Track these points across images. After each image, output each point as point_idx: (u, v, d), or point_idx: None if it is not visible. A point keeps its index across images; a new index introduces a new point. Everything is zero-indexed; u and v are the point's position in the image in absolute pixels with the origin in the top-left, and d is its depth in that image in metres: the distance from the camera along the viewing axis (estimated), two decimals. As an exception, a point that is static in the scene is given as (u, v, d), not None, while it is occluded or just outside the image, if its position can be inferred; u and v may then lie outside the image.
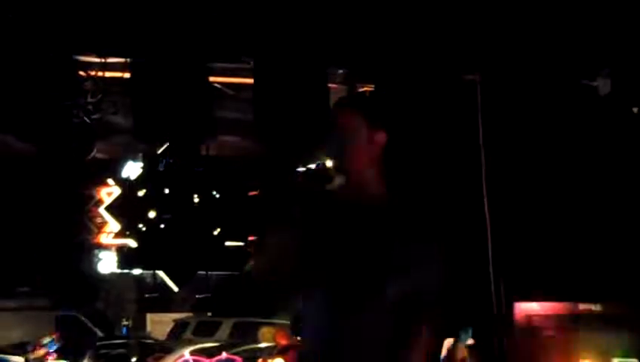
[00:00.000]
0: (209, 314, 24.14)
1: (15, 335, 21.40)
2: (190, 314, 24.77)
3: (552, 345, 8.55)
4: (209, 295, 27.56)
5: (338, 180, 3.35)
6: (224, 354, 14.79)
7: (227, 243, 22.84)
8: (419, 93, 7.36)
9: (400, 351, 3.28)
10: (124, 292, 29.59)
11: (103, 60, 6.75)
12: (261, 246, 3.51)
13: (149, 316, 27.93)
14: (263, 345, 15.58)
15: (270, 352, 14.52)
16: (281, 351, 11.48)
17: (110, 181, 28.66)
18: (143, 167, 29.42)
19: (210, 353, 15.69)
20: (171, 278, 27.65)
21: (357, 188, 3.34)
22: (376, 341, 3.29)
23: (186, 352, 17.60)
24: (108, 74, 6.85)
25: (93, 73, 6.80)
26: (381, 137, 3.39)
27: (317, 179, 3.37)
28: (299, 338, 3.48)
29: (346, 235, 3.30)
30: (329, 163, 3.36)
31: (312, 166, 3.38)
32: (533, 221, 9.33)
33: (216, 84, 7.15)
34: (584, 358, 8.47)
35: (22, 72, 6.57)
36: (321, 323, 3.30)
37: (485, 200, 7.46)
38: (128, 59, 6.87)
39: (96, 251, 28.99)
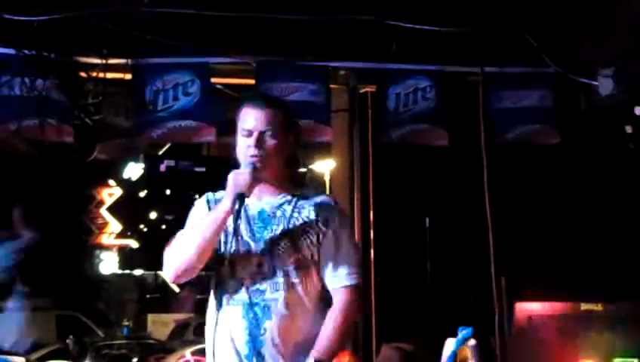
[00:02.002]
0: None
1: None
2: (191, 315, 24.80)
3: (554, 346, 8.55)
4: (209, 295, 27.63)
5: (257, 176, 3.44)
6: (225, 355, 14.76)
7: (228, 244, 22.78)
8: (421, 94, 7.38)
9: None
10: (125, 293, 29.65)
11: (104, 61, 6.74)
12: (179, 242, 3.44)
13: (150, 316, 27.99)
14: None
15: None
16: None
17: (111, 182, 28.76)
18: (144, 168, 29.45)
19: (211, 353, 15.66)
20: (172, 279, 27.65)
21: (271, 184, 3.54)
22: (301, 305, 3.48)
23: (187, 352, 17.62)
24: (109, 75, 6.84)
25: (94, 74, 6.79)
26: (293, 136, 3.59)
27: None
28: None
29: (265, 227, 3.49)
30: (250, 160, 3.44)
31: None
32: (535, 220, 9.34)
33: (217, 85, 7.15)
34: (585, 358, 8.47)
35: (24, 73, 6.57)
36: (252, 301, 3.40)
37: (487, 199, 7.45)
38: (129, 61, 6.87)
39: (97, 252, 29.06)
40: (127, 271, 29.63)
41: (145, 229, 28.50)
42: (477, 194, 7.55)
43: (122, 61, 6.84)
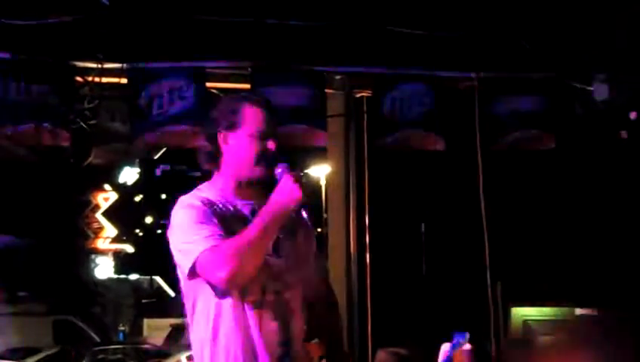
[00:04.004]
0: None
1: (13, 340, 21.37)
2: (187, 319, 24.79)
3: (549, 350, 8.55)
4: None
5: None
6: (221, 359, 14.75)
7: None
8: (416, 99, 7.38)
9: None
10: (120, 298, 29.61)
11: (100, 66, 6.74)
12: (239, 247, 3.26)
13: (145, 321, 27.96)
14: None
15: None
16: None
17: (107, 186, 28.73)
18: (139, 173, 29.42)
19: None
20: (168, 283, 27.65)
21: (256, 185, 3.48)
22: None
23: (183, 357, 17.59)
24: (105, 79, 6.84)
25: (90, 79, 6.79)
26: None
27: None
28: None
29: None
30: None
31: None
32: (530, 225, 9.34)
33: (213, 90, 7.15)
34: (581, 363, 8.46)
35: (19, 77, 6.57)
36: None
37: (482, 205, 7.47)
38: (125, 65, 6.87)
39: (93, 256, 29.03)
40: (123, 276, 29.61)
41: (140, 234, 28.49)
42: (473, 200, 7.56)
43: (118, 65, 6.84)
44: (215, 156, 3.47)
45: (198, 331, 3.45)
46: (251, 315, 3.34)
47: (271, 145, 3.39)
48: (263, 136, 3.40)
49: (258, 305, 3.34)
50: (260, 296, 3.34)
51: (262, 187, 3.40)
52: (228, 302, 3.34)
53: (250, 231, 3.26)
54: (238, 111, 3.44)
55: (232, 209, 3.41)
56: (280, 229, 3.38)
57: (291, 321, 3.38)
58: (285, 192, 3.29)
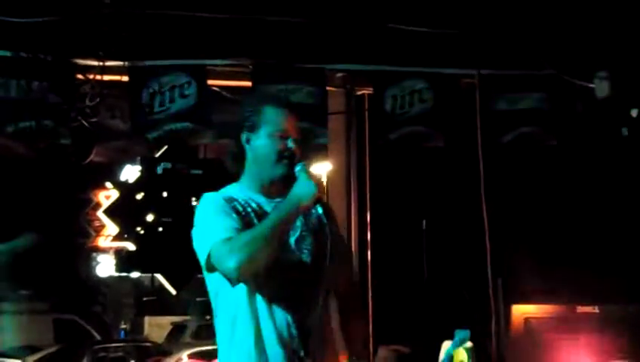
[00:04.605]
0: (207, 317, 24.12)
1: (14, 339, 21.39)
2: (188, 317, 24.77)
3: (550, 348, 8.57)
4: (207, 298, 27.50)
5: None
6: (222, 357, 14.75)
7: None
8: (417, 96, 7.39)
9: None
10: (122, 296, 29.62)
11: (101, 63, 6.74)
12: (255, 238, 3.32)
13: (146, 319, 27.96)
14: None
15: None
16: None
17: (108, 184, 28.74)
18: (141, 171, 29.42)
19: (208, 356, 15.67)
20: (169, 281, 27.68)
21: (279, 183, 3.55)
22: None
23: (184, 355, 17.62)
24: (106, 77, 6.84)
25: (91, 76, 6.79)
26: None
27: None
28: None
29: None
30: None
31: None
32: (532, 223, 9.35)
33: (214, 87, 7.15)
34: (582, 360, 8.48)
35: (20, 75, 6.57)
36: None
37: (483, 201, 7.46)
38: (126, 63, 6.87)
39: (94, 254, 29.02)
40: (124, 274, 29.60)
41: (142, 232, 28.48)
42: (474, 197, 7.56)
43: (119, 63, 6.84)
44: (240, 157, 3.55)
45: (219, 324, 3.51)
46: (265, 308, 3.40)
47: (291, 144, 3.46)
48: (283, 136, 3.48)
49: (274, 299, 3.40)
50: (277, 289, 3.38)
51: (285, 185, 3.45)
52: (244, 295, 3.40)
53: (265, 224, 3.33)
54: (259, 111, 3.54)
55: (255, 206, 3.48)
56: (303, 226, 3.46)
57: (309, 315, 3.42)
58: (301, 188, 3.37)
